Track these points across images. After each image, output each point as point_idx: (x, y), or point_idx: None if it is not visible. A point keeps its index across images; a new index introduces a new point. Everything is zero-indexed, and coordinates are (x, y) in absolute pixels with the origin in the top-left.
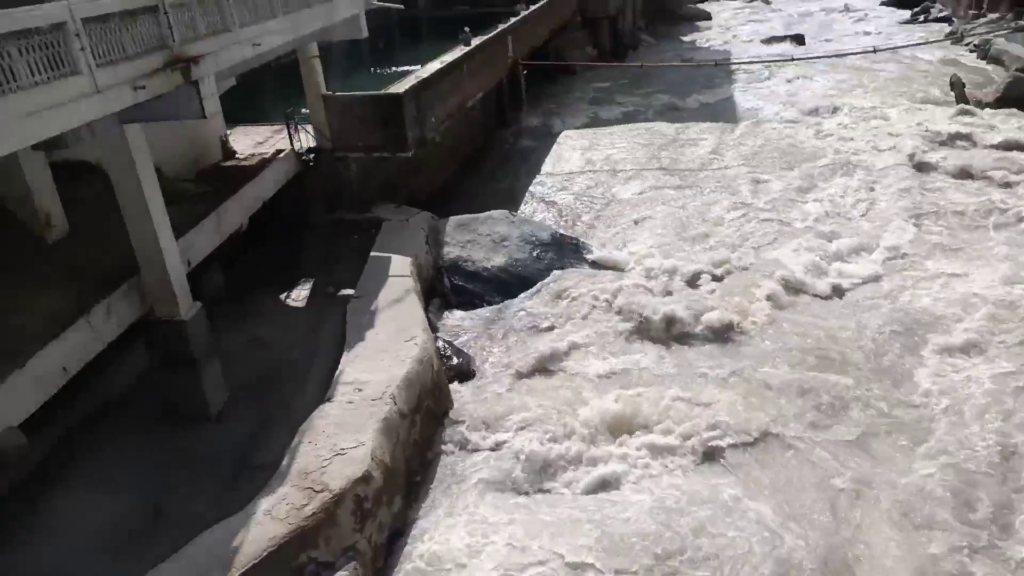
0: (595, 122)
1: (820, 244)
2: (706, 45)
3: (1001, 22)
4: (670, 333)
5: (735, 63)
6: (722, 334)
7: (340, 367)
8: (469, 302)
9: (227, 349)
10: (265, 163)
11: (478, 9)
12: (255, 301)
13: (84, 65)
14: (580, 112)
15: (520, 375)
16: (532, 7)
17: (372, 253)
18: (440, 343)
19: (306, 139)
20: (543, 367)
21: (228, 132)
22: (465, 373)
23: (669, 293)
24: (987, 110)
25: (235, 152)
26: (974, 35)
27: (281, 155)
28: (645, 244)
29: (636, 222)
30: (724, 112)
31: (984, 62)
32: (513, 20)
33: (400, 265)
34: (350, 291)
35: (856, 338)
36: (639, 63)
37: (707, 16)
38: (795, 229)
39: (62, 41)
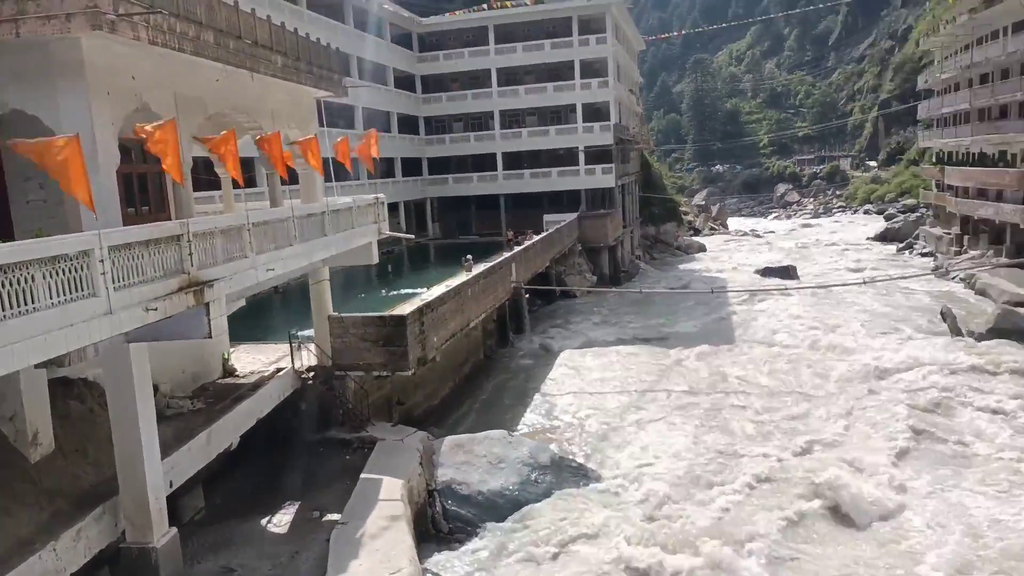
0: (595, 343)
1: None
2: (702, 273)
3: (982, 258)
4: (683, 563)
5: (730, 291)
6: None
7: None
8: (462, 528)
9: None
10: (263, 381)
11: (485, 238)
12: (233, 525)
13: (103, 288)
14: (581, 334)
15: None
16: (536, 237)
17: (362, 475)
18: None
19: (307, 358)
20: None
21: (231, 350)
22: None
23: (681, 523)
24: (982, 342)
25: (235, 370)
26: (958, 270)
27: (280, 373)
28: (647, 471)
29: (638, 447)
30: (720, 337)
31: (972, 294)
32: (517, 248)
33: (391, 488)
34: (336, 516)
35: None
36: (638, 289)
37: (702, 247)
38: (793, 467)
39: (86, 266)
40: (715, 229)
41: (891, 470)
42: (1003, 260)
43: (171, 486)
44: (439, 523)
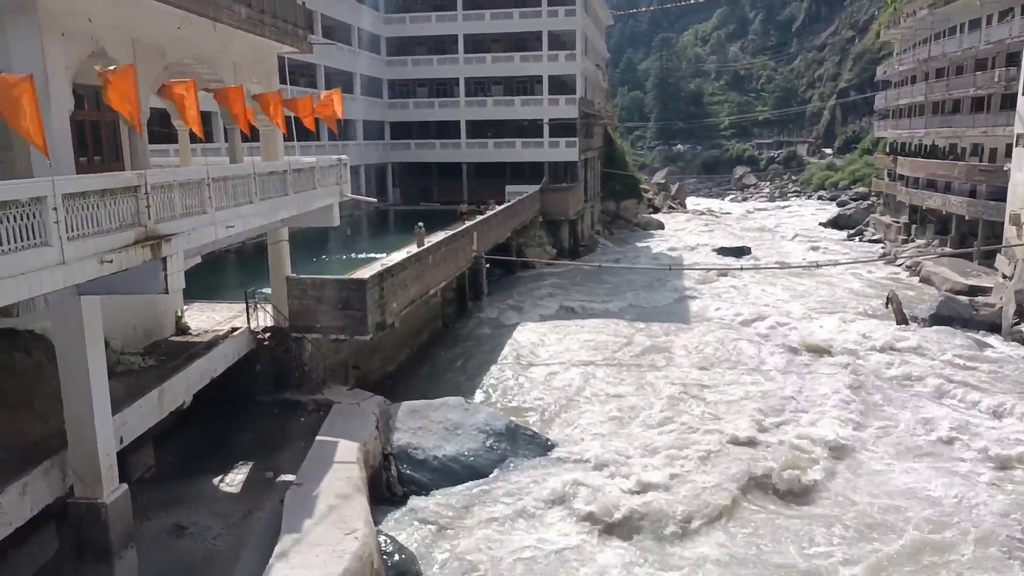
0: (553, 316)
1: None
2: (659, 250)
3: (928, 247)
4: (630, 529)
5: (686, 268)
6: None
7: (271, 562)
8: (416, 492)
9: (146, 537)
10: (218, 340)
11: (446, 206)
12: (185, 484)
13: (56, 238)
14: (539, 306)
15: None
16: (498, 207)
17: (318, 437)
18: (382, 538)
19: (264, 318)
20: (490, 573)
21: (185, 308)
22: (405, 573)
23: (630, 492)
24: (924, 327)
25: (189, 328)
26: (905, 257)
27: (236, 333)
28: (600, 441)
29: (592, 417)
30: (676, 313)
31: (917, 281)
32: (479, 218)
33: (346, 451)
34: (290, 477)
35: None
36: (596, 263)
37: (660, 225)
38: (742, 441)
39: (39, 214)
40: (674, 208)
41: (835, 447)
42: (948, 249)
43: (121, 442)
44: (394, 486)
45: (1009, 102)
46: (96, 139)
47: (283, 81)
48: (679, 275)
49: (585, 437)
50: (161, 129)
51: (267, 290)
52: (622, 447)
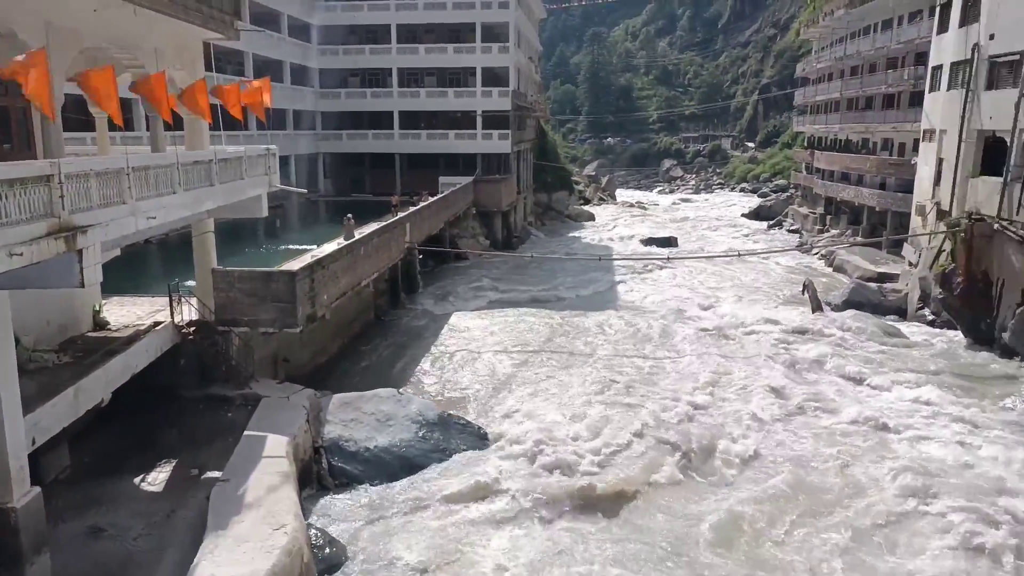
0: (486, 306)
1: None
2: (590, 241)
3: (841, 237)
4: (559, 508)
5: (616, 259)
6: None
7: (196, 560)
8: (348, 485)
9: (61, 541)
10: (139, 335)
11: (379, 197)
12: (103, 484)
13: None
14: (472, 296)
15: (396, 567)
16: (431, 199)
17: (246, 432)
18: (312, 531)
19: (188, 312)
20: (421, 559)
21: (104, 302)
22: (337, 565)
23: (559, 473)
24: (836, 312)
25: (107, 323)
26: (820, 246)
27: (158, 327)
28: (531, 425)
29: (523, 404)
30: (606, 302)
31: (831, 269)
32: (412, 208)
33: (275, 445)
34: (217, 473)
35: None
36: (529, 254)
37: (591, 216)
38: (665, 423)
39: None
40: (604, 200)
41: (748, 424)
42: (859, 239)
43: (33, 443)
44: (325, 479)
45: (917, 99)
46: (5, 127)
47: (209, 68)
48: (609, 265)
49: (517, 424)
50: (77, 116)
51: (192, 283)
52: (552, 431)
